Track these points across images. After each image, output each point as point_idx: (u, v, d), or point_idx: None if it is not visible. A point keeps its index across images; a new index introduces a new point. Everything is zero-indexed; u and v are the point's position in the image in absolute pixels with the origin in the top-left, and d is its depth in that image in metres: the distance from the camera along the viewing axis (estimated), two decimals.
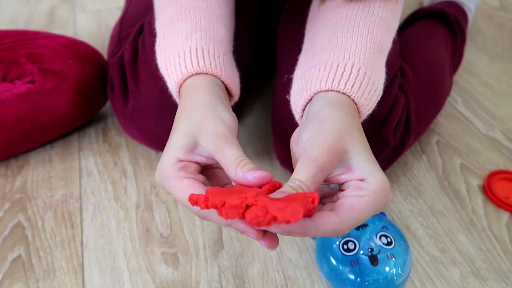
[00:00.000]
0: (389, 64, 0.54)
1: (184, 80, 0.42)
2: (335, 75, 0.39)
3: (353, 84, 0.38)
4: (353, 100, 0.39)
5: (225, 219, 0.28)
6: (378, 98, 0.42)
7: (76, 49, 0.61)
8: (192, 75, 0.42)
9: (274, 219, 0.26)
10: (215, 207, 0.28)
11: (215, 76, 0.43)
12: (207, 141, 0.35)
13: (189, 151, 0.35)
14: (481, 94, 0.78)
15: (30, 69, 0.57)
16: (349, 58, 0.40)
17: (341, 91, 0.38)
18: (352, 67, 0.39)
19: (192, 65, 0.42)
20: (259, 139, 0.68)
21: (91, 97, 0.63)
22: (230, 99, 0.46)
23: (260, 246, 0.53)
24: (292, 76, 0.47)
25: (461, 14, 0.79)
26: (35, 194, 0.60)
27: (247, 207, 0.28)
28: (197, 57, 0.42)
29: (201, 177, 0.35)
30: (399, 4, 0.47)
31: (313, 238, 0.53)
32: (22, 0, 1.06)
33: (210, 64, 0.42)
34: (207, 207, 0.29)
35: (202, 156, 0.36)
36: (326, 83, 0.38)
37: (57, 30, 0.95)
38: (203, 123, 0.36)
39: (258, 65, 0.73)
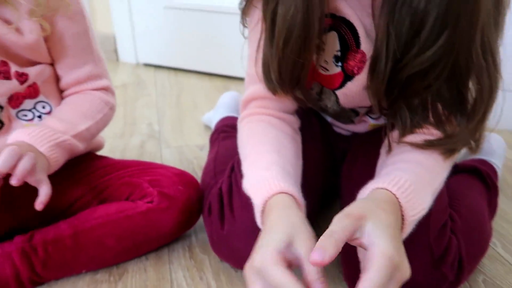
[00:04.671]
0: (441, 210, 0.66)
1: (269, 198, 0.54)
2: (391, 180, 0.52)
3: (403, 192, 0.51)
4: (399, 203, 0.50)
5: None
6: (423, 212, 0.53)
7: (185, 178, 0.78)
8: (276, 194, 0.54)
9: None
10: None
11: (293, 196, 0.55)
12: (302, 241, 0.44)
13: (287, 246, 0.44)
14: None
15: (151, 192, 0.73)
16: (403, 176, 0.54)
17: (390, 191, 0.51)
18: (406, 181, 0.53)
19: (275, 185, 0.55)
20: None
21: (190, 216, 0.77)
22: None
23: None
24: None
25: (491, 170, 0.94)
26: None
27: None
28: (278, 180, 0.56)
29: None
30: (449, 168, 0.62)
31: None
32: (118, 134, 1.29)
33: (289, 187, 0.55)
34: None
35: (292, 255, 0.44)
36: (382, 183, 0.52)
37: (147, 160, 1.14)
38: (299, 226, 0.47)
39: (320, 207, 0.87)
